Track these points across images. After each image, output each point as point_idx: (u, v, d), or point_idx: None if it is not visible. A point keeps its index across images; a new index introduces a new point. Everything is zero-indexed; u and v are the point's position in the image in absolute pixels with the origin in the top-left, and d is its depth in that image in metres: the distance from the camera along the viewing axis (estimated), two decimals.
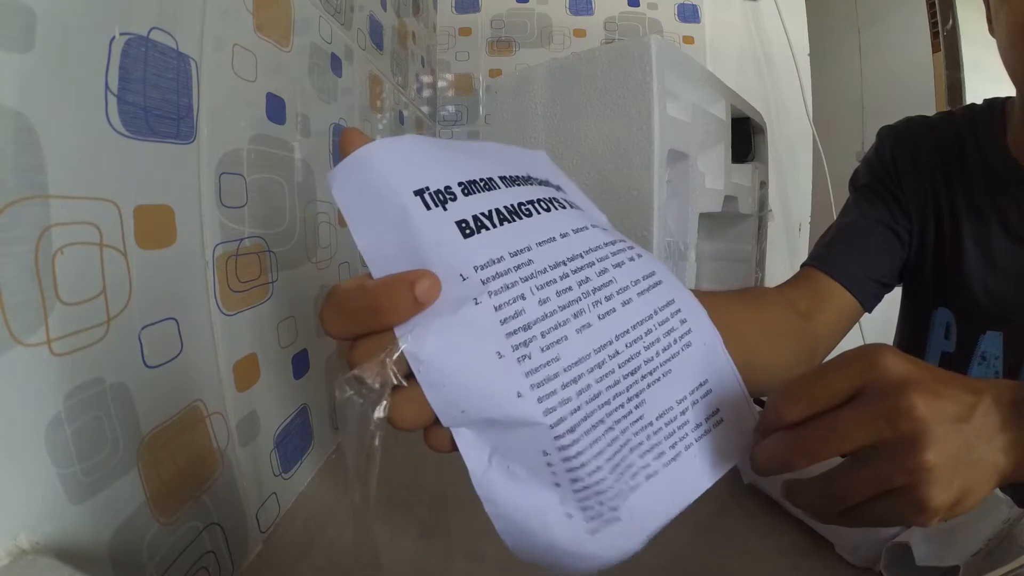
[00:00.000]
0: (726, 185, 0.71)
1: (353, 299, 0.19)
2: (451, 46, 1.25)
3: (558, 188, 0.26)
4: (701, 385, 0.25)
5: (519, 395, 0.19)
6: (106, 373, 0.27)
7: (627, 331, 0.21)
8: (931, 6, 1.49)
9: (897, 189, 0.56)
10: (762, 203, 0.92)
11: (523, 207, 0.22)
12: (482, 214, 0.20)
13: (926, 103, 1.49)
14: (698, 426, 0.24)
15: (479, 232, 0.20)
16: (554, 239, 0.21)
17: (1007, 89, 0.52)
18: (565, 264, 0.21)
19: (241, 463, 0.39)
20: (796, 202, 1.32)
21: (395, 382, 0.19)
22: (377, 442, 0.21)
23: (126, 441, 0.28)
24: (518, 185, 0.23)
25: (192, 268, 0.34)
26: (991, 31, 0.48)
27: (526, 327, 0.19)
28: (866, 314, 0.56)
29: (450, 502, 0.47)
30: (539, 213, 0.22)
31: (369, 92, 0.71)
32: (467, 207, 0.20)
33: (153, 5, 0.30)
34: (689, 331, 0.24)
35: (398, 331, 0.19)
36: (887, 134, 0.59)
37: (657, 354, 0.23)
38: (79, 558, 0.24)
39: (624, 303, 0.22)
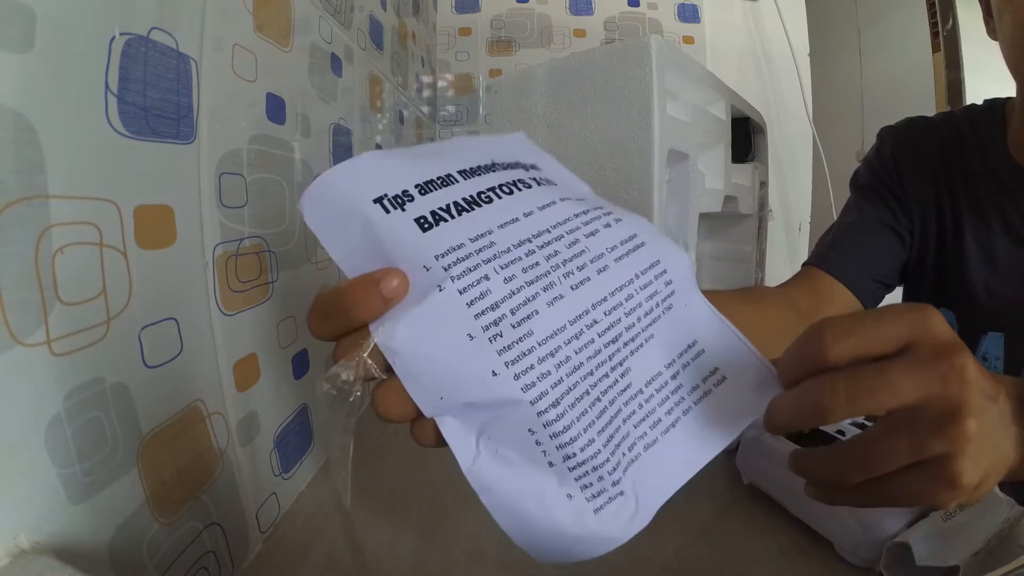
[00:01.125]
0: (726, 185, 0.71)
1: (328, 302, 0.20)
2: (451, 46, 1.25)
3: (530, 167, 0.25)
4: (691, 347, 0.24)
5: (494, 373, 0.19)
6: (106, 373, 0.27)
7: (604, 299, 0.21)
8: (931, 6, 1.49)
9: (898, 189, 0.56)
10: (762, 203, 0.92)
11: (482, 195, 0.22)
12: (440, 208, 0.21)
13: (926, 103, 1.49)
14: (695, 388, 0.24)
15: (437, 225, 0.20)
16: (516, 219, 0.22)
17: (1007, 89, 0.52)
18: (530, 241, 0.21)
19: (241, 463, 0.39)
20: (796, 202, 1.33)
21: (375, 375, 0.20)
22: (351, 435, 0.21)
23: (126, 441, 0.28)
24: (478, 175, 0.23)
25: (192, 268, 0.34)
26: (989, 32, 0.49)
27: (494, 306, 0.19)
28: None
29: (450, 502, 0.47)
30: (500, 198, 0.22)
31: (369, 92, 0.71)
32: (424, 205, 0.21)
33: (153, 5, 0.30)
34: (672, 292, 0.23)
35: (372, 327, 0.20)
36: (888, 134, 0.59)
37: (639, 319, 0.22)
38: (79, 558, 0.24)
39: (600, 270, 0.22)
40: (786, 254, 1.33)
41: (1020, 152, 0.50)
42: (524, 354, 0.19)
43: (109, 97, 0.27)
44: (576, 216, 0.23)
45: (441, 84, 1.25)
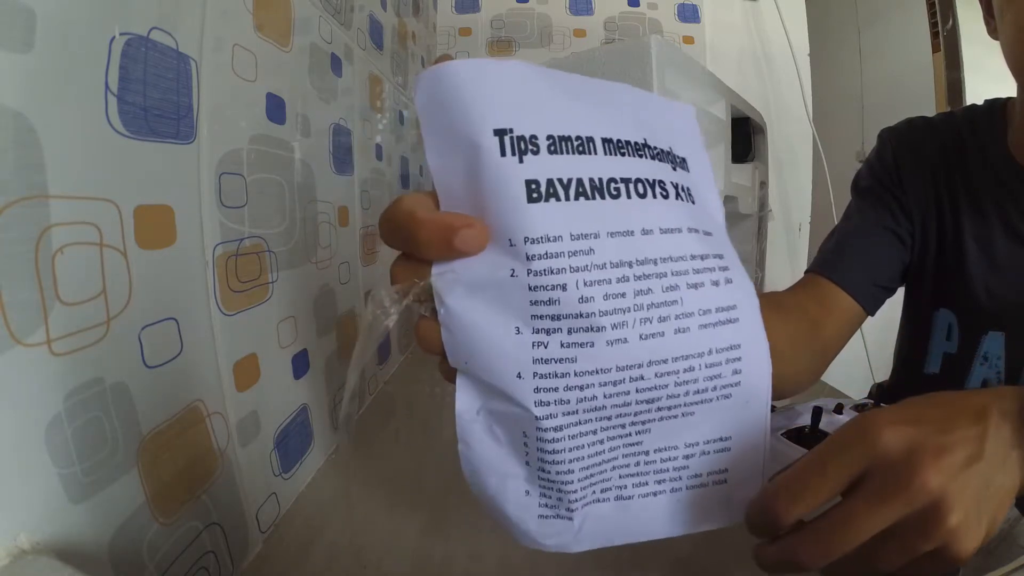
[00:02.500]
0: (726, 185, 0.71)
1: (404, 221, 0.19)
2: (451, 46, 1.25)
3: (680, 164, 0.22)
4: (722, 439, 0.22)
5: (519, 375, 0.19)
6: (106, 373, 0.27)
7: (664, 360, 0.19)
8: (931, 6, 1.49)
9: (899, 191, 0.56)
10: (762, 203, 0.92)
11: (612, 185, 0.19)
12: (559, 180, 0.18)
13: (926, 103, 1.49)
14: (695, 476, 0.23)
15: (547, 200, 0.18)
16: (631, 233, 0.19)
17: (1007, 89, 0.52)
18: (631, 267, 0.19)
19: (241, 463, 0.39)
20: (796, 202, 1.33)
21: (419, 309, 0.20)
22: (365, 358, 0.21)
23: (126, 441, 0.28)
24: (622, 154, 0.20)
25: (192, 268, 0.34)
26: (989, 32, 0.48)
27: (555, 317, 0.18)
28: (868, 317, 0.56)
29: (450, 502, 0.47)
30: (629, 197, 0.19)
31: (369, 92, 0.71)
32: (545, 167, 0.18)
33: (153, 5, 0.30)
34: (737, 383, 0.21)
35: (435, 267, 0.19)
36: (888, 136, 0.59)
37: (687, 393, 0.20)
38: (79, 558, 0.24)
39: (678, 331, 0.19)
40: (786, 254, 1.33)
41: (1020, 152, 0.50)
42: (556, 375, 0.19)
43: (109, 97, 0.27)
44: (692, 258, 0.20)
45: None
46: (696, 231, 0.21)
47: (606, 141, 0.20)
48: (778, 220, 1.30)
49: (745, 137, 0.89)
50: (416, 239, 0.19)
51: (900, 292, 0.61)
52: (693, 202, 0.22)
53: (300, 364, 0.49)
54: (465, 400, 0.20)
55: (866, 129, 1.68)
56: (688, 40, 1.28)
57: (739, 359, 0.21)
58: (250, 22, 0.41)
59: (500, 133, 0.18)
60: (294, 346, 0.48)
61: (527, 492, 0.21)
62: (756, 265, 0.90)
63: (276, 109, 0.45)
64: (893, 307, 0.60)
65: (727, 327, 0.20)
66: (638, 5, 1.26)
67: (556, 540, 0.22)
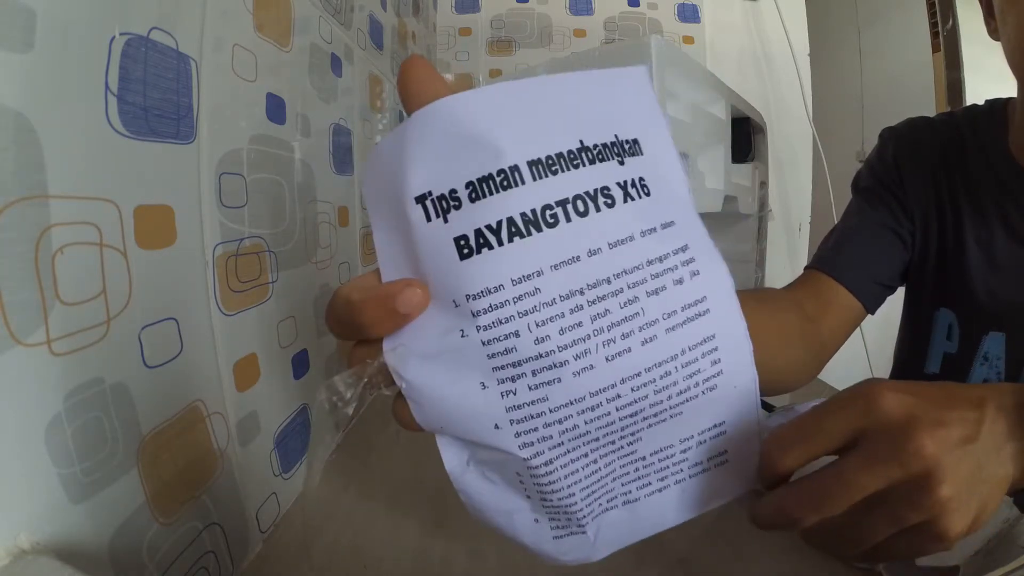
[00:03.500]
0: (726, 185, 0.71)
1: (344, 311, 0.19)
2: (451, 46, 1.25)
3: (627, 151, 0.20)
4: (716, 426, 0.22)
5: (496, 427, 0.19)
6: (106, 373, 0.27)
7: (638, 374, 0.19)
8: (931, 6, 1.49)
9: (899, 190, 0.56)
10: (762, 203, 0.92)
11: (548, 212, 0.18)
12: (487, 227, 0.17)
13: (926, 103, 1.49)
14: (696, 464, 0.23)
15: (479, 252, 0.17)
16: (577, 259, 0.18)
17: (1007, 89, 0.52)
18: (582, 294, 0.18)
19: (241, 463, 0.39)
20: (796, 202, 1.33)
21: (380, 388, 0.20)
22: (330, 448, 0.22)
23: (126, 441, 0.28)
24: (554, 173, 0.18)
25: (192, 268, 0.34)
26: (990, 32, 0.48)
27: (516, 364, 0.18)
28: (868, 315, 0.56)
29: (450, 502, 0.47)
30: (568, 220, 0.18)
31: (369, 92, 0.71)
32: (472, 218, 0.17)
33: (153, 5, 0.30)
34: (719, 373, 0.20)
35: (385, 344, 0.19)
36: (889, 135, 0.60)
37: (669, 397, 0.20)
38: (79, 558, 0.24)
39: (645, 341, 0.18)
40: (786, 254, 1.33)
41: (1021, 152, 0.50)
42: (532, 416, 0.18)
43: (109, 97, 0.27)
44: (649, 264, 0.19)
45: None
46: (652, 230, 0.19)
47: (533, 164, 0.18)
48: (778, 220, 1.30)
49: (745, 137, 0.89)
50: (359, 323, 0.19)
51: (900, 292, 0.61)
52: (648, 193, 0.20)
53: (300, 364, 0.49)
54: (451, 457, 0.21)
55: (866, 129, 1.68)
56: (688, 40, 1.27)
57: (715, 349, 0.20)
58: (250, 22, 0.41)
59: (421, 199, 0.18)
60: (294, 346, 0.48)
61: (536, 520, 0.22)
62: (756, 265, 0.90)
63: (276, 109, 0.45)
64: (893, 307, 0.60)
65: (697, 322, 0.19)
66: (638, 5, 1.26)
67: (575, 555, 0.23)
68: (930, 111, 0.82)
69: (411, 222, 0.18)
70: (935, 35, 1.49)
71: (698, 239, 0.20)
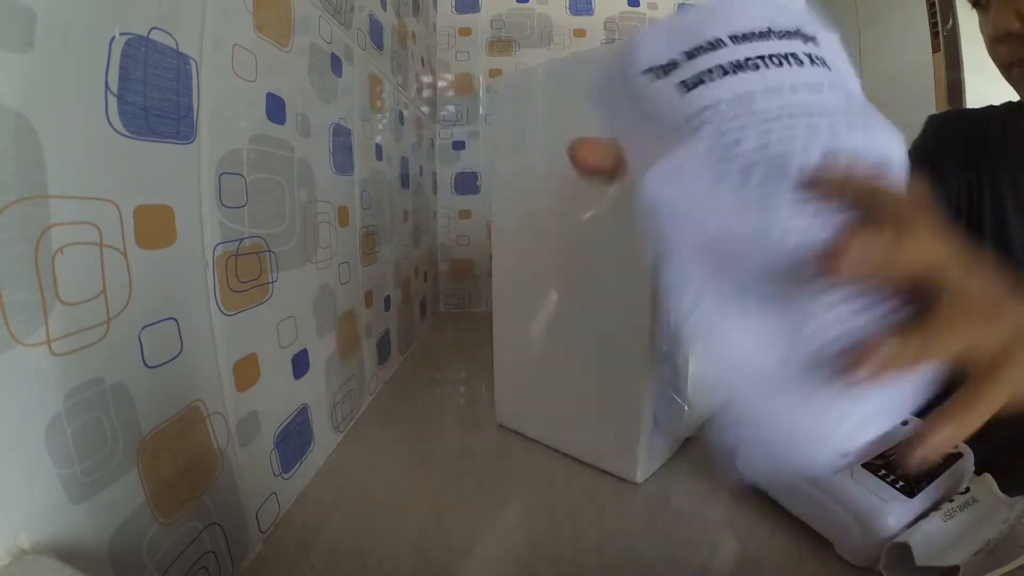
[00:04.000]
0: None
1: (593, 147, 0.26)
2: (451, 46, 1.25)
3: (809, 39, 0.24)
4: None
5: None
6: (106, 373, 0.27)
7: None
8: (931, 6, 1.49)
9: (935, 172, 0.60)
10: None
11: (750, 62, 0.22)
12: (704, 71, 0.21)
13: (926, 103, 1.49)
14: None
15: (695, 88, 0.21)
16: (781, 90, 0.21)
17: (1007, 89, 0.52)
18: (790, 116, 0.20)
19: (241, 463, 0.39)
20: None
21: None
22: None
23: (126, 441, 0.28)
24: (750, 42, 0.22)
25: (192, 268, 0.34)
26: (980, 29, 0.51)
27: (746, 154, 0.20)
28: None
29: (450, 502, 0.47)
30: (768, 67, 0.22)
31: (369, 92, 0.71)
32: (689, 70, 0.21)
33: (153, 5, 0.30)
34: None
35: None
36: (931, 120, 0.65)
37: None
38: (79, 558, 0.24)
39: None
40: None
41: None
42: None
43: (109, 97, 0.27)
44: (839, 112, 0.22)
45: (441, 84, 1.25)
46: (836, 88, 0.22)
47: (733, 36, 0.22)
48: None
49: None
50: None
51: None
52: (829, 69, 0.23)
53: (300, 364, 0.49)
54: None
55: None
56: None
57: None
58: (250, 22, 0.41)
59: (647, 71, 0.22)
60: (294, 346, 0.48)
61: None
62: None
63: (276, 109, 0.45)
64: None
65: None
66: (638, 5, 1.26)
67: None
68: (930, 111, 0.83)
69: (637, 87, 0.22)
70: (935, 35, 1.49)
71: (871, 113, 0.23)
